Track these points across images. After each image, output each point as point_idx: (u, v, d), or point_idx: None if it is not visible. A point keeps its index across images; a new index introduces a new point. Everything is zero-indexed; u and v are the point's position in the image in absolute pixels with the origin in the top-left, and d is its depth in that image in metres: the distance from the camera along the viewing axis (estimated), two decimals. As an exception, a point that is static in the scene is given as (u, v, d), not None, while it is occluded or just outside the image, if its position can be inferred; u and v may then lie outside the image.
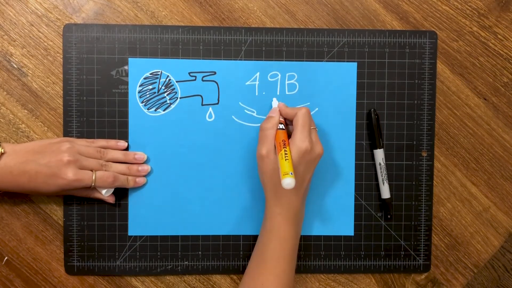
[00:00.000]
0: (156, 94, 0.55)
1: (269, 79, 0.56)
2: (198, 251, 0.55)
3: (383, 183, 0.55)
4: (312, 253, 0.56)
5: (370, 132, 0.56)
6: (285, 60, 0.56)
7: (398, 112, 0.56)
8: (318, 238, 0.56)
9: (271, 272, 0.48)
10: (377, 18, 0.57)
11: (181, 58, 0.55)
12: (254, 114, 0.56)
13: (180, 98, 0.55)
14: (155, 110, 0.55)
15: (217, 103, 0.55)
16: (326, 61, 0.56)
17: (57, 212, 0.55)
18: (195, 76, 0.55)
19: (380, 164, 0.55)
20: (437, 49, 0.57)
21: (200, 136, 0.55)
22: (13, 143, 0.54)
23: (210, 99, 0.55)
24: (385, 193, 0.56)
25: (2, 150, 0.48)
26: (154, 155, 0.55)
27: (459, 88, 0.58)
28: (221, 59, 0.55)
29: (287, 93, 0.56)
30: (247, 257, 0.55)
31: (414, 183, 0.57)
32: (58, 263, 0.55)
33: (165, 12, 0.56)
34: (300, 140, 0.47)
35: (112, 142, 0.54)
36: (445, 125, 0.58)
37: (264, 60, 0.55)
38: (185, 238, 0.55)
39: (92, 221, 0.55)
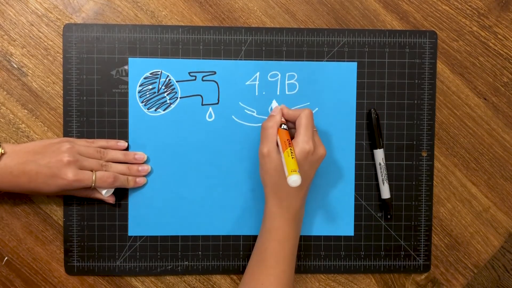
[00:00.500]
0: (156, 94, 0.55)
1: (269, 79, 0.56)
2: (198, 251, 0.55)
3: (383, 183, 0.55)
4: (312, 253, 0.56)
5: (370, 132, 0.56)
6: (285, 60, 0.56)
7: (398, 112, 0.56)
8: (318, 238, 0.56)
9: (271, 272, 0.48)
10: (377, 18, 0.57)
11: (181, 58, 0.55)
12: (254, 114, 0.56)
13: (180, 98, 0.55)
14: (155, 110, 0.55)
15: (217, 103, 0.55)
16: (326, 61, 0.56)
17: (57, 212, 0.55)
18: (195, 76, 0.55)
19: (380, 164, 0.55)
20: (437, 49, 0.57)
21: (200, 136, 0.55)
22: (13, 143, 0.54)
23: (210, 99, 0.55)
24: (385, 193, 0.56)
25: (2, 151, 0.48)
26: (154, 155, 0.55)
27: (459, 88, 0.58)
28: (221, 59, 0.55)
29: (287, 93, 0.56)
30: (247, 257, 0.55)
31: (414, 183, 0.57)
32: (58, 263, 0.55)
33: (165, 12, 0.56)
34: (303, 141, 0.47)
35: (112, 142, 0.54)
36: (445, 125, 0.58)
37: (264, 60, 0.55)
38: (185, 238, 0.55)
39: (92, 221, 0.54)
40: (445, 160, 0.58)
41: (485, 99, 0.58)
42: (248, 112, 0.56)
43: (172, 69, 0.55)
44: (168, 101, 0.55)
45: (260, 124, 0.55)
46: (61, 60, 0.54)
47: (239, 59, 0.55)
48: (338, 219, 0.56)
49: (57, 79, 0.55)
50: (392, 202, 0.56)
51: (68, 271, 0.55)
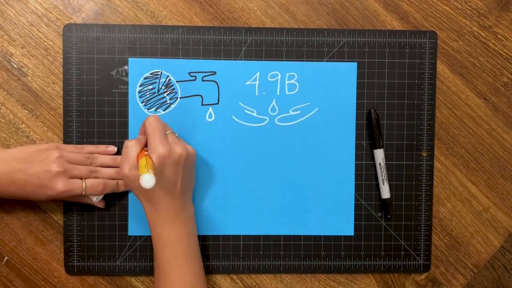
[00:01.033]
0: (156, 94, 0.55)
1: (269, 79, 0.56)
2: (198, 251, 0.55)
3: (383, 183, 0.55)
4: (312, 253, 0.56)
5: (370, 132, 0.56)
6: (285, 60, 0.56)
7: (398, 112, 0.56)
8: (318, 238, 0.56)
9: (168, 281, 0.47)
10: (377, 18, 0.57)
11: (181, 58, 0.55)
12: (254, 114, 0.56)
13: (180, 98, 0.55)
14: (155, 110, 0.55)
15: (217, 103, 0.55)
16: (326, 61, 0.56)
17: (57, 212, 0.55)
18: (195, 76, 0.55)
19: (380, 164, 0.55)
20: (437, 49, 0.57)
21: (200, 136, 0.55)
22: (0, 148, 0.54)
23: (210, 99, 0.55)
24: (385, 193, 0.56)
25: None
26: (154, 155, 0.55)
27: (459, 88, 0.58)
28: (221, 59, 0.55)
29: (287, 93, 0.56)
30: (247, 257, 0.55)
31: (414, 183, 0.57)
32: (58, 263, 0.55)
33: (165, 12, 0.56)
34: (153, 147, 0.46)
35: (101, 148, 0.53)
36: (445, 125, 0.58)
37: (264, 60, 0.55)
38: (185, 238, 0.55)
39: (92, 221, 0.55)
40: (445, 160, 0.58)
41: (485, 99, 0.58)
42: (248, 112, 0.56)
43: (172, 69, 0.55)
44: (168, 101, 0.55)
45: (260, 124, 0.55)
46: (61, 60, 0.54)
47: (239, 59, 0.55)
48: (338, 219, 0.56)
49: (57, 79, 0.55)
50: (392, 202, 0.56)
51: (68, 271, 0.55)
